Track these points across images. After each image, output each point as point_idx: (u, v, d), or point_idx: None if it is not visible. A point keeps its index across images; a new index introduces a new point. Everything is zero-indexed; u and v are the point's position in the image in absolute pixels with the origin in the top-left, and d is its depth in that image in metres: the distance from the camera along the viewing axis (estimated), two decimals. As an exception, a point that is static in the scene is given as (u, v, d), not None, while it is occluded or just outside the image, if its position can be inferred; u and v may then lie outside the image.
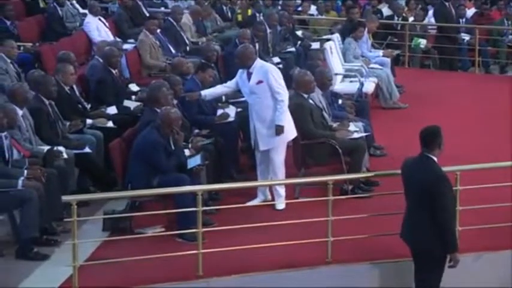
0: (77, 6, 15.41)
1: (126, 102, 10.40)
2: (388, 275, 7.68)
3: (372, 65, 13.16)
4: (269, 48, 13.72)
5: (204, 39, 14.18)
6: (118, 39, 13.16)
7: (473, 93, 14.03)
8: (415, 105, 12.82)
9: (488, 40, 16.87)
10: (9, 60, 10.77)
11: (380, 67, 13.19)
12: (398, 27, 16.63)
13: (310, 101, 9.34)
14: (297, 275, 7.55)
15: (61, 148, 8.58)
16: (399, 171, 7.09)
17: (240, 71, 9.07)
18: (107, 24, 14.18)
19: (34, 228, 7.68)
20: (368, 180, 9.25)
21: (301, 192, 9.04)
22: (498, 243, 7.97)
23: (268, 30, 13.81)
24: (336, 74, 12.37)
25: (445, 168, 6.92)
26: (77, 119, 9.47)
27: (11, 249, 7.80)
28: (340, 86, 12.38)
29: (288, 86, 9.14)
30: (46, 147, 8.55)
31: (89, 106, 10.09)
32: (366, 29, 13.66)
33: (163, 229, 8.14)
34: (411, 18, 17.21)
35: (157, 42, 12.76)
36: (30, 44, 12.83)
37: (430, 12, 17.38)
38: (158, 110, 8.54)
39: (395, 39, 16.01)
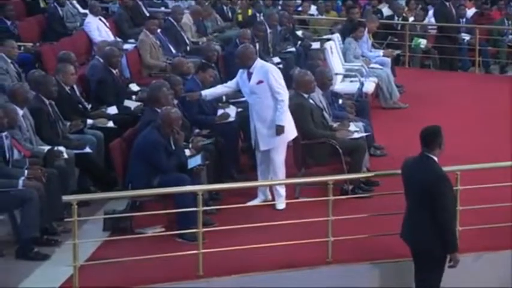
0: (77, 6, 15.41)
1: (127, 102, 10.41)
2: (389, 275, 7.68)
3: (372, 65, 13.16)
4: (269, 48, 13.72)
5: (204, 39, 14.19)
6: (118, 39, 13.17)
7: (473, 93, 14.03)
8: (415, 105, 12.82)
9: (489, 40, 16.87)
10: (9, 60, 10.78)
11: (380, 67, 13.19)
12: (399, 27, 16.63)
13: (311, 101, 9.34)
14: (297, 275, 7.55)
15: (61, 148, 8.59)
16: (399, 171, 7.10)
17: (240, 71, 9.07)
18: (107, 24, 14.19)
19: (34, 228, 7.68)
20: (368, 180, 9.25)
21: (302, 192, 9.04)
22: (498, 243, 7.97)
23: (269, 30, 13.81)
24: (336, 74, 12.37)
25: (445, 168, 6.92)
26: (78, 119, 9.48)
27: (11, 249, 7.80)
28: (340, 85, 12.38)
29: (288, 86, 9.14)
30: (46, 147, 8.55)
31: (89, 106, 10.10)
32: (366, 29, 13.67)
33: (163, 229, 8.14)
34: (411, 18, 17.21)
35: (158, 42, 12.77)
36: (31, 44, 12.83)
37: (430, 12, 17.38)
38: (159, 110, 8.55)
39: (396, 39, 16.01)
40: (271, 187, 8.96)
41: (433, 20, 16.82)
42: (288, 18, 15.05)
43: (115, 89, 10.43)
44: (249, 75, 8.90)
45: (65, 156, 8.53)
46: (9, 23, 13.19)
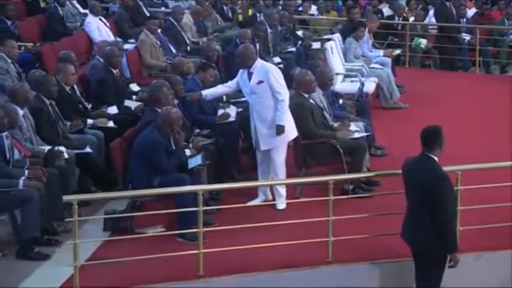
0: (77, 5, 15.41)
1: (127, 102, 10.41)
2: (389, 274, 7.68)
3: (372, 65, 13.17)
4: (270, 48, 13.72)
5: (204, 39, 14.18)
6: (119, 39, 13.17)
7: (473, 93, 14.03)
8: (416, 105, 12.82)
9: (489, 40, 16.87)
10: (10, 60, 10.79)
11: (381, 67, 13.19)
12: (399, 27, 16.63)
13: (311, 101, 9.34)
14: (298, 274, 7.55)
15: (62, 148, 8.59)
16: (400, 171, 7.10)
17: (240, 71, 9.08)
18: (107, 24, 14.19)
19: (35, 228, 7.68)
20: (369, 180, 9.25)
21: (302, 192, 9.04)
22: (498, 243, 7.97)
23: (269, 30, 13.81)
24: (337, 74, 12.37)
25: (445, 168, 6.92)
26: (78, 119, 9.48)
27: (11, 249, 7.80)
28: (340, 85, 12.38)
29: (289, 86, 9.14)
30: (47, 147, 8.56)
31: (89, 106, 10.10)
32: (367, 29, 13.67)
33: (164, 229, 8.14)
34: (412, 18, 17.21)
35: (158, 42, 12.77)
36: (31, 44, 12.83)
37: (431, 12, 17.37)
38: (159, 110, 8.55)
39: (396, 39, 16.02)
40: (271, 187, 8.96)
41: (433, 20, 16.82)
42: (288, 18, 15.05)
43: (115, 89, 10.44)
44: (250, 75, 8.90)
45: (66, 156, 8.53)
46: (9, 23, 13.19)
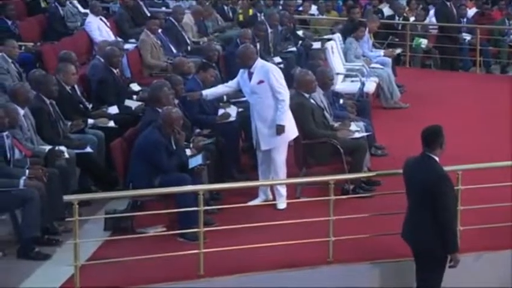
0: (77, 5, 15.40)
1: (128, 102, 10.41)
2: (389, 274, 7.68)
3: (373, 65, 13.17)
4: (270, 48, 13.72)
5: (205, 39, 14.19)
6: (119, 39, 13.18)
7: (474, 93, 14.02)
8: (416, 105, 12.82)
9: (490, 40, 16.86)
10: (10, 60, 10.79)
11: (381, 67, 13.19)
12: (400, 27, 16.62)
13: (312, 101, 9.34)
14: (298, 274, 7.55)
15: (62, 148, 8.59)
16: (400, 171, 7.10)
17: (241, 70, 9.08)
18: (108, 24, 14.19)
19: (36, 227, 7.68)
20: (369, 180, 9.25)
21: (303, 192, 9.04)
22: (498, 243, 7.97)
23: (269, 30, 13.81)
24: (337, 74, 12.37)
25: (446, 168, 6.92)
26: (79, 119, 9.49)
27: (12, 249, 7.80)
28: (341, 85, 12.39)
29: (289, 86, 9.15)
30: (47, 147, 8.56)
31: (90, 106, 10.10)
32: (367, 29, 13.68)
33: (164, 229, 8.14)
34: (412, 18, 17.20)
35: (159, 42, 12.77)
36: (32, 44, 12.83)
37: (431, 12, 17.36)
38: (159, 110, 8.55)
39: (397, 39, 16.00)
40: (272, 187, 8.96)
41: (434, 20, 16.81)
42: (288, 18, 15.06)
43: (116, 89, 10.44)
44: (250, 75, 8.90)
45: (66, 155, 8.53)
46: (10, 22, 13.19)
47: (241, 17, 16.67)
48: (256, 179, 9.08)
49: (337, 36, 13.74)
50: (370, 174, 8.86)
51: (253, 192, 9.03)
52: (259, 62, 8.98)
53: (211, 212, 8.27)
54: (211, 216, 8.27)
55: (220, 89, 9.56)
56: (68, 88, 9.70)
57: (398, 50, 14.94)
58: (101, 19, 14.12)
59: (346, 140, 9.25)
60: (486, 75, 16.23)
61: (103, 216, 8.33)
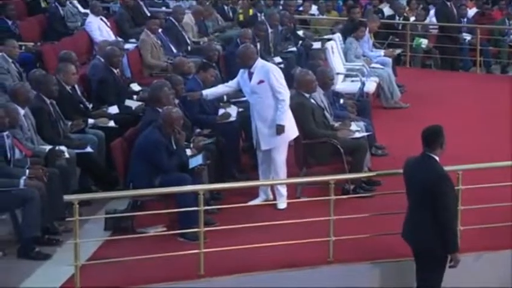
0: (77, 5, 15.41)
1: (128, 102, 10.42)
2: (390, 274, 7.68)
3: (373, 65, 13.17)
4: (270, 48, 13.72)
5: (205, 39, 14.19)
6: (119, 39, 13.19)
7: (474, 93, 14.02)
8: (417, 105, 12.82)
9: (490, 40, 16.86)
10: (10, 60, 10.79)
11: (381, 67, 13.19)
12: (400, 27, 16.61)
13: (312, 101, 9.34)
14: (299, 274, 7.55)
15: (63, 148, 8.59)
16: (401, 171, 7.10)
17: (241, 70, 9.08)
18: (108, 23, 14.19)
19: (36, 227, 7.68)
20: (370, 179, 9.25)
21: (303, 192, 9.04)
22: (499, 243, 7.97)
23: (270, 30, 13.81)
24: (338, 74, 12.36)
25: (446, 168, 6.92)
26: (79, 119, 9.49)
27: (12, 249, 7.81)
28: (341, 85, 12.38)
29: (289, 86, 9.15)
30: (48, 147, 8.56)
31: (90, 106, 10.10)
32: (367, 29, 13.67)
33: (165, 228, 8.14)
34: (412, 18, 17.20)
35: (159, 42, 12.77)
36: (32, 44, 12.83)
37: (432, 12, 17.36)
38: (160, 110, 8.55)
39: (397, 39, 16.00)
40: (272, 187, 8.96)
41: (434, 20, 16.80)
42: (289, 18, 15.06)
43: (116, 89, 10.44)
44: (250, 75, 8.90)
45: (66, 155, 8.53)
46: (10, 22, 13.18)
47: (241, 17, 16.68)
48: (257, 178, 9.08)
49: (338, 36, 13.74)
50: (371, 174, 8.86)
51: (253, 192, 9.03)
52: (260, 62, 8.98)
53: (211, 212, 8.27)
54: (212, 216, 8.26)
55: (221, 89, 9.56)
56: (68, 88, 9.70)
57: (399, 50, 14.94)
58: (101, 19, 14.12)
59: (347, 140, 9.25)
60: (486, 75, 16.23)
61: (103, 216, 8.33)
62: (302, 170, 9.29)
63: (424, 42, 16.05)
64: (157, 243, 7.72)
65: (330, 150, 9.13)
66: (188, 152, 8.58)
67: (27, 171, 7.86)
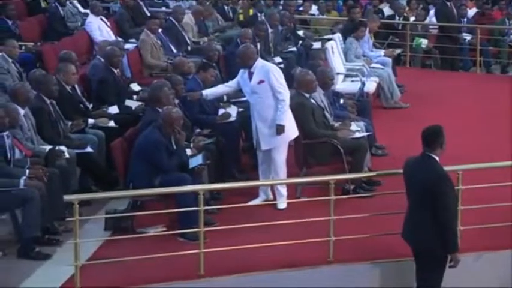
0: (77, 5, 15.41)
1: (128, 102, 10.42)
2: (390, 274, 7.68)
3: (373, 65, 13.17)
4: (270, 48, 13.72)
5: (205, 39, 14.19)
6: (119, 39, 13.19)
7: (474, 93, 14.02)
8: (417, 105, 12.82)
9: (490, 40, 16.86)
10: (10, 60, 10.79)
11: (381, 67, 13.19)
12: (400, 27, 16.61)
13: (312, 101, 9.34)
14: (299, 274, 7.55)
15: (63, 148, 8.60)
16: (401, 171, 7.10)
17: (241, 70, 9.08)
18: (108, 23, 14.19)
19: (36, 227, 7.68)
20: (370, 179, 9.25)
21: (303, 192, 9.04)
22: (499, 243, 7.97)
23: (270, 30, 13.81)
24: (338, 74, 12.36)
25: (446, 168, 6.92)
26: (79, 119, 9.49)
27: (12, 249, 7.81)
28: (341, 85, 12.38)
29: (290, 86, 9.15)
30: (48, 147, 8.56)
31: (90, 106, 10.11)
32: (367, 29, 13.67)
33: (165, 228, 8.14)
34: (412, 18, 17.20)
35: (159, 42, 12.77)
36: (32, 44, 12.83)
37: (432, 12, 17.36)
38: (160, 110, 8.55)
39: (397, 39, 16.00)
40: (272, 187, 8.96)
41: (434, 20, 16.80)
42: (289, 18, 15.06)
43: (116, 89, 10.44)
44: (250, 75, 8.90)
45: (66, 155, 8.53)
46: (10, 22, 13.18)
47: (241, 17, 16.68)
48: (257, 178, 9.08)
49: (338, 36, 13.75)
50: (371, 174, 8.86)
51: (253, 192, 9.03)
52: (260, 62, 8.98)
53: (211, 212, 8.26)
54: (212, 216, 8.26)
55: (221, 89, 9.56)
56: (68, 88, 9.70)
57: (399, 50, 14.94)
58: (101, 19, 14.12)
59: (347, 140, 9.25)
60: (486, 75, 16.23)
61: (103, 216, 8.33)
62: (302, 170, 9.29)
63: (424, 42, 16.05)
64: (157, 243, 7.72)
65: (330, 150, 9.13)
66: (188, 152, 8.58)
67: (27, 171, 7.86)
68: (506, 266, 7.89)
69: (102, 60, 10.82)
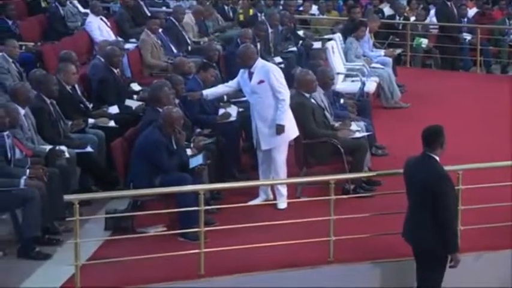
0: (77, 5, 15.42)
1: (128, 102, 10.42)
2: (390, 274, 7.68)
3: (373, 65, 13.17)
4: (271, 48, 13.72)
5: (205, 38, 14.19)
6: (120, 39, 13.20)
7: (474, 92, 14.02)
8: (417, 105, 12.82)
9: (490, 40, 16.85)
10: (11, 60, 10.80)
11: (382, 66, 13.20)
12: (400, 27, 16.61)
13: (312, 101, 9.34)
14: (299, 274, 7.55)
15: (63, 147, 8.60)
16: (401, 171, 7.10)
17: (241, 70, 9.08)
18: (108, 23, 14.20)
19: (36, 227, 7.69)
20: (370, 179, 9.25)
21: (303, 192, 9.04)
22: (499, 242, 7.97)
23: (270, 30, 13.81)
24: (338, 74, 12.36)
25: (447, 168, 6.92)
26: (79, 119, 9.49)
27: (13, 249, 7.81)
28: (341, 85, 12.39)
29: (290, 86, 9.15)
30: (48, 147, 8.57)
31: (90, 105, 10.11)
32: (368, 29, 13.67)
33: (165, 228, 8.15)
34: (413, 18, 17.20)
35: (159, 42, 12.78)
36: (32, 44, 12.83)
37: (432, 12, 17.36)
38: (160, 110, 8.56)
39: (397, 39, 16.00)
40: (272, 186, 8.96)
41: (434, 20, 16.80)
42: (289, 18, 15.06)
43: (116, 89, 10.44)
44: (250, 74, 8.90)
45: (67, 155, 8.53)
46: (10, 22, 13.19)
47: (241, 17, 16.69)
48: (257, 178, 9.08)
49: (338, 36, 13.75)
50: (371, 174, 8.86)
51: (253, 192, 9.03)
52: (260, 61, 8.98)
53: (211, 212, 8.26)
54: (212, 215, 8.26)
55: (221, 88, 9.56)
56: (68, 88, 9.70)
57: (399, 50, 14.95)
58: (101, 19, 14.12)
59: (347, 140, 9.25)
60: (486, 75, 16.23)
61: (103, 216, 8.33)
62: (302, 169, 9.29)
63: (425, 42, 16.05)
64: (157, 243, 7.72)
65: (330, 150, 9.13)
66: (188, 151, 8.58)
67: (28, 171, 7.86)
68: (506, 266, 7.89)
69: (103, 60, 10.83)
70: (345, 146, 9.09)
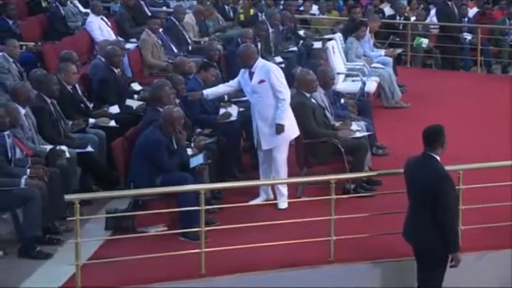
0: (78, 5, 15.42)
1: (129, 102, 10.42)
2: (391, 274, 7.68)
3: (374, 65, 13.17)
4: (271, 47, 13.73)
5: (206, 38, 14.20)
6: (120, 39, 13.20)
7: (475, 92, 14.02)
8: (417, 105, 12.82)
9: (491, 40, 16.85)
10: (11, 60, 10.80)
11: (382, 66, 13.20)
12: (401, 27, 16.61)
13: (313, 100, 9.35)
14: (299, 274, 7.55)
15: (63, 147, 8.60)
16: (401, 171, 7.10)
17: (242, 70, 9.08)
18: (109, 23, 14.20)
19: (37, 227, 7.69)
20: (370, 179, 9.26)
21: (304, 191, 9.04)
22: (500, 242, 7.97)
23: (270, 30, 13.82)
24: (338, 74, 12.37)
25: (447, 168, 6.92)
26: (80, 118, 9.50)
27: (13, 248, 7.81)
28: (342, 85, 12.39)
29: (290, 86, 9.15)
30: (49, 147, 8.57)
31: (91, 105, 10.11)
32: (368, 29, 13.67)
33: (166, 228, 8.15)
34: (413, 18, 17.21)
35: (160, 42, 12.78)
36: (33, 43, 12.84)
37: (432, 12, 17.37)
38: (161, 109, 8.56)
39: (398, 39, 15.99)
40: (273, 186, 8.96)
41: (435, 20, 16.80)
42: (289, 17, 15.07)
43: (117, 88, 10.45)
44: (251, 74, 8.91)
45: (67, 155, 8.54)
46: (11, 22, 13.20)
47: (242, 17, 16.69)
48: (257, 178, 9.08)
49: (338, 35, 13.75)
50: (371, 173, 8.86)
51: (254, 192, 9.04)
52: (260, 61, 8.98)
53: (212, 211, 8.26)
54: (213, 215, 8.26)
55: (221, 88, 9.56)
56: (69, 87, 9.71)
57: (399, 50, 14.94)
58: (101, 19, 14.12)
59: (347, 140, 9.25)
60: (487, 75, 16.23)
61: (104, 215, 8.33)
62: (303, 169, 9.29)
63: (425, 42, 16.05)
64: (158, 243, 7.72)
65: (330, 150, 9.14)
66: (189, 151, 8.58)
67: (28, 170, 7.87)
68: (507, 266, 7.89)
69: (103, 59, 10.83)
70: (345, 146, 9.09)
